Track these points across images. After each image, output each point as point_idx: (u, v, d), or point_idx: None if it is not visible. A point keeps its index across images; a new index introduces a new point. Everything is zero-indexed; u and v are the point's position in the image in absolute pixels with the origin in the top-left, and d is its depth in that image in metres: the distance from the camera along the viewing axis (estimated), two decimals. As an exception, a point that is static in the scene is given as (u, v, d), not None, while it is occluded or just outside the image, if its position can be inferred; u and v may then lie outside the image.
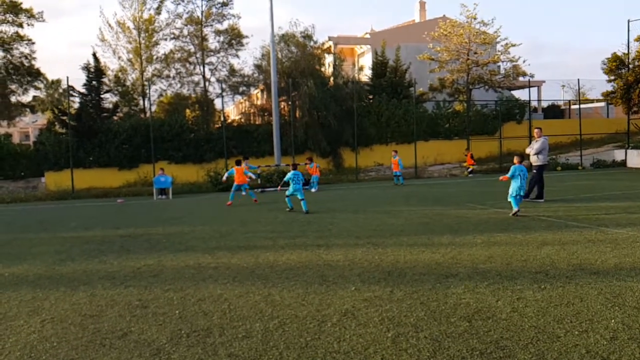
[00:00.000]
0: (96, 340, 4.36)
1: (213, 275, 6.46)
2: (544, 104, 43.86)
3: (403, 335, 4.21)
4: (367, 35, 41.98)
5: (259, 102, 36.41)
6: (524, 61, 32.12)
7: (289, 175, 13.31)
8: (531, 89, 32.97)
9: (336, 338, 4.20)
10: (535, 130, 13.94)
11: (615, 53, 33.69)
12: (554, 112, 43.31)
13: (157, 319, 4.83)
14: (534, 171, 13.40)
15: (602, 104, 42.24)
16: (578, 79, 33.75)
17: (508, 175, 11.00)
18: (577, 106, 41.71)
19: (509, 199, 10.99)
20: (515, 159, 11.21)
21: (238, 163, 16.41)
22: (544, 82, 42.93)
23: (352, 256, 7.24)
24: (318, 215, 12.22)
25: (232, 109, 49.23)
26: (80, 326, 4.71)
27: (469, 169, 26.35)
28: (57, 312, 5.15)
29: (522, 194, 10.96)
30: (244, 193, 20.07)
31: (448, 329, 4.30)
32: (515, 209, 10.68)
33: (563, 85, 56.76)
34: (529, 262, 6.52)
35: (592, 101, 42.24)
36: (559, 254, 6.94)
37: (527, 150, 13.76)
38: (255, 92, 37.40)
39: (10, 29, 34.16)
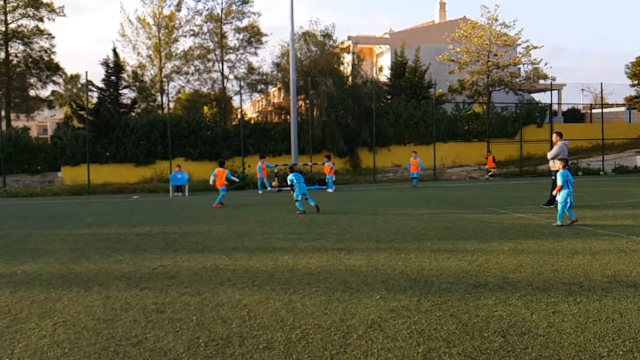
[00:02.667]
0: (110, 347, 4.14)
1: (231, 278, 6.22)
2: (564, 108, 43.12)
3: (435, 350, 3.93)
4: (387, 35, 41.62)
5: (276, 101, 36.27)
6: (545, 64, 31.48)
7: (290, 177, 13.14)
8: (552, 92, 32.43)
9: (363, 352, 3.93)
10: (554, 135, 13.76)
11: (639, 57, 32.97)
12: (574, 116, 42.57)
13: (174, 325, 4.59)
14: (553, 177, 13.23)
15: (623, 108, 41.42)
16: (601, 83, 33.07)
17: (560, 183, 9.95)
18: (597, 110, 40.93)
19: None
20: (559, 164, 10.43)
21: (221, 164, 15.55)
22: (564, 85, 42.17)
23: (375, 261, 6.96)
24: (336, 216, 11.97)
25: (248, 107, 49.23)
26: (94, 331, 4.49)
27: (489, 172, 25.94)
28: (69, 315, 4.94)
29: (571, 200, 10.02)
30: (269, 189, 19.77)
31: (482, 345, 4.01)
32: (572, 218, 9.83)
33: (583, 89, 55.87)
34: (560, 273, 6.21)
35: (611, 105, 41.41)
36: (591, 264, 6.62)
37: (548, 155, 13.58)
38: (272, 90, 37.27)
39: (30, 23, 34.44)
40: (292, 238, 9.07)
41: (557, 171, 13.03)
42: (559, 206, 9.98)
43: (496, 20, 30.26)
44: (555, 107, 39.46)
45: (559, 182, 9.97)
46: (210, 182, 15.97)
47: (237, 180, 15.49)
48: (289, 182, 13.30)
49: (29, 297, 5.62)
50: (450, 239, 8.56)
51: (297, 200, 12.83)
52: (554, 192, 10.23)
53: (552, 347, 3.95)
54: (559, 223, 9.82)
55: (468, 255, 7.27)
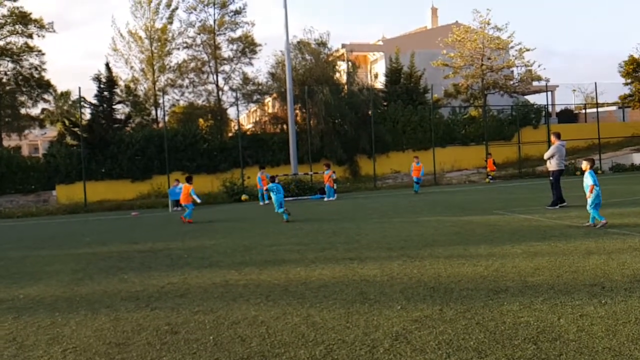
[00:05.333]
0: (125, 373, 3.92)
1: (243, 294, 6.01)
2: (557, 109, 43.32)
3: (467, 362, 3.75)
4: (380, 43, 41.70)
5: (270, 111, 36.14)
6: (539, 66, 31.66)
7: (270, 187, 13.42)
8: (545, 93, 32.58)
9: (393, 367, 3.74)
10: (552, 136, 13.78)
11: (632, 56, 33.10)
12: (567, 116, 42.76)
13: (190, 346, 4.37)
14: (550, 178, 13.28)
15: (614, 107, 41.66)
16: (595, 83, 32.97)
17: (592, 182, 9.52)
18: (589, 110, 41.12)
19: (588, 210, 9.62)
20: (587, 165, 9.95)
21: (188, 180, 14.91)
22: (557, 86, 42.37)
23: (389, 270, 6.78)
24: (342, 225, 11.79)
25: (243, 118, 49.04)
26: (106, 356, 4.26)
27: (489, 176, 25.83)
28: (79, 340, 4.69)
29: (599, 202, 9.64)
30: (267, 202, 19.29)
31: (514, 354, 3.84)
32: (591, 222, 9.55)
33: (574, 90, 56.22)
34: (579, 274, 6.07)
35: (602, 105, 41.67)
36: (608, 264, 6.50)
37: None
38: (267, 100, 37.13)
39: (19, 40, 34.06)
40: (300, 249, 8.86)
41: (554, 172, 13.10)
42: (590, 208, 9.55)
43: (488, 24, 30.40)
44: (549, 108, 39.62)
45: (591, 181, 9.54)
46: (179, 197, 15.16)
47: (198, 200, 14.91)
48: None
49: (34, 322, 5.35)
50: (462, 244, 8.40)
51: (278, 209, 13.21)
52: (588, 195, 9.63)
53: (587, 352, 3.81)
54: (603, 221, 9.36)
55: (482, 260, 7.11)
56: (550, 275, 6.05)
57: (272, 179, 14.06)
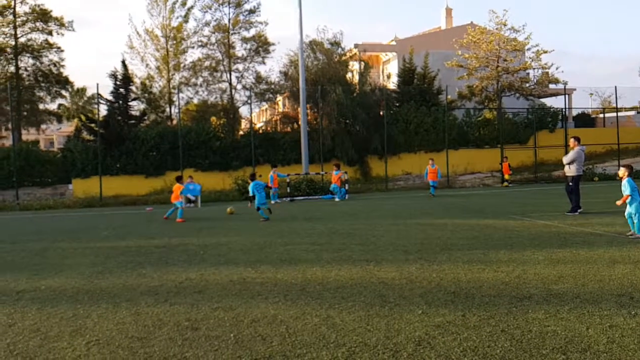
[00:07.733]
0: (148, 368, 3.90)
1: (261, 292, 5.97)
2: (574, 112, 42.80)
3: (493, 370, 3.67)
4: (393, 43, 41.48)
5: (281, 110, 36.17)
6: (557, 68, 31.13)
7: (250, 187, 13.51)
8: (562, 96, 32.15)
9: (418, 372, 3.67)
10: (571, 140, 13.49)
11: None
12: (584, 120, 42.22)
13: (212, 343, 4.34)
14: (570, 183, 13.00)
15: (633, 112, 41.01)
16: (615, 87, 32.44)
17: (628, 192, 9.04)
18: (608, 114, 40.54)
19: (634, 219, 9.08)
20: (624, 172, 9.35)
21: (178, 179, 15.15)
22: (574, 89, 41.83)
23: (408, 273, 6.69)
24: (356, 226, 11.71)
25: (253, 117, 49.21)
26: (129, 350, 4.25)
27: (506, 180, 25.53)
28: (102, 333, 4.70)
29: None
30: (278, 201, 19.30)
31: (542, 363, 3.75)
32: (637, 234, 8.99)
33: (591, 94, 55.61)
34: (605, 283, 5.93)
35: (621, 109, 41.11)
36: (634, 273, 6.34)
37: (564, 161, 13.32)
38: (278, 99, 37.19)
39: (40, 37, 34.48)
40: (315, 249, 8.80)
41: (573, 177, 12.84)
42: (635, 217, 9.05)
43: (505, 25, 30.08)
44: (566, 111, 39.17)
45: (627, 191, 9.09)
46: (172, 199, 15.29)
47: (192, 198, 14.79)
48: (250, 193, 13.65)
49: (56, 313, 5.38)
50: (480, 249, 8.28)
51: (258, 209, 13.32)
52: (619, 202, 9.31)
53: (619, 365, 3.68)
54: (638, 235, 8.96)
55: (503, 265, 6.99)
56: (575, 284, 5.91)
57: (252, 178, 14.04)
